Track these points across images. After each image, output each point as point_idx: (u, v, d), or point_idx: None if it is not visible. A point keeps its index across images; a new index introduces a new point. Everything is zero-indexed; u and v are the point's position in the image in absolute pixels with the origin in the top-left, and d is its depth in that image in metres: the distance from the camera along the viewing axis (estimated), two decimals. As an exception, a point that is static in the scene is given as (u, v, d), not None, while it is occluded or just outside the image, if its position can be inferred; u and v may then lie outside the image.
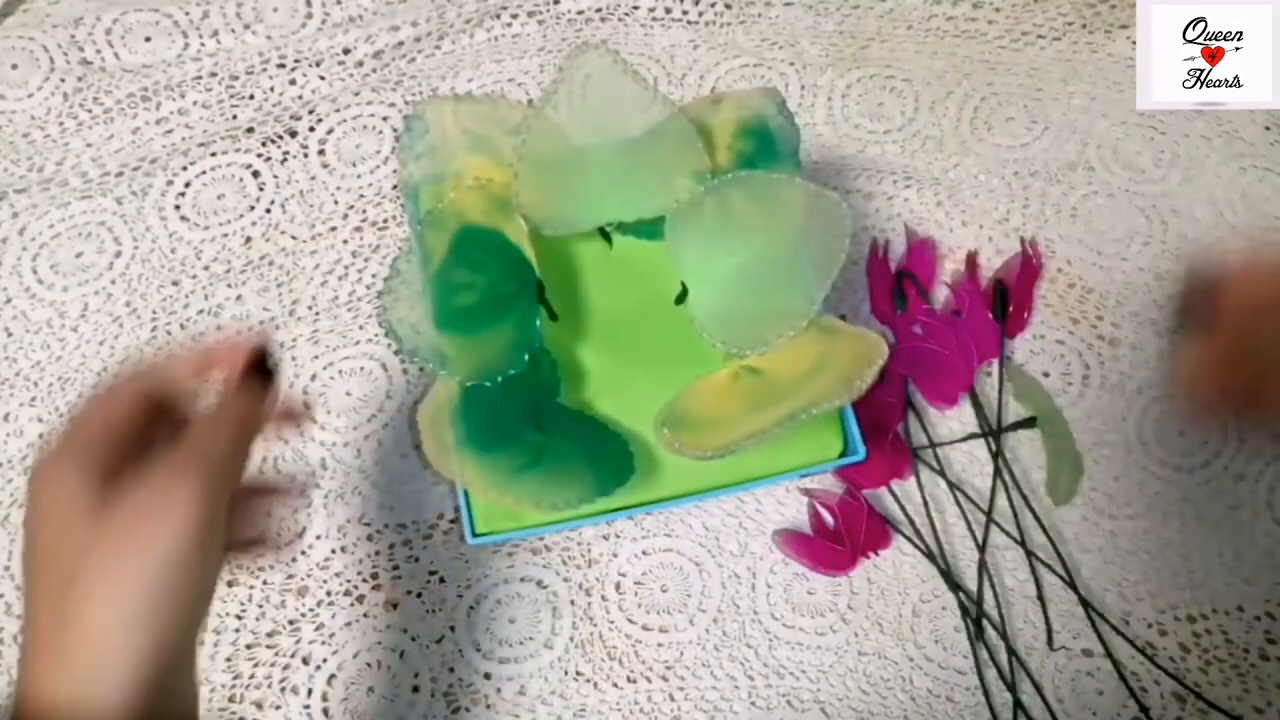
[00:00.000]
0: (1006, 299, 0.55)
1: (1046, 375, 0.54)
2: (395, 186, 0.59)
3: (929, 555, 0.51)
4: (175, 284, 0.56)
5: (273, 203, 0.58)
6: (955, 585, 0.50)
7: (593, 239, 0.46)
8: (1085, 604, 0.49)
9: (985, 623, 0.49)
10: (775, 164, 0.44)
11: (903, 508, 0.52)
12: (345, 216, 0.58)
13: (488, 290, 0.41)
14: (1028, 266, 0.55)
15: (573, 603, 0.50)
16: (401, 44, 0.62)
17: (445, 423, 0.39)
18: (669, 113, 0.43)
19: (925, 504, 0.51)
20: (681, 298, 0.44)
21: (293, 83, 0.61)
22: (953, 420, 0.53)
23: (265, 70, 0.61)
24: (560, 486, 0.39)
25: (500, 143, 0.43)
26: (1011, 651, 0.49)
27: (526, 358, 0.40)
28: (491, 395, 0.40)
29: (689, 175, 0.43)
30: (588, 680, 0.49)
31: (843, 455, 0.43)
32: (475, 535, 0.41)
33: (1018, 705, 0.48)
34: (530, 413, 0.39)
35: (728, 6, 0.64)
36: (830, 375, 0.40)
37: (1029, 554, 0.50)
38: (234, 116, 0.60)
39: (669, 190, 0.43)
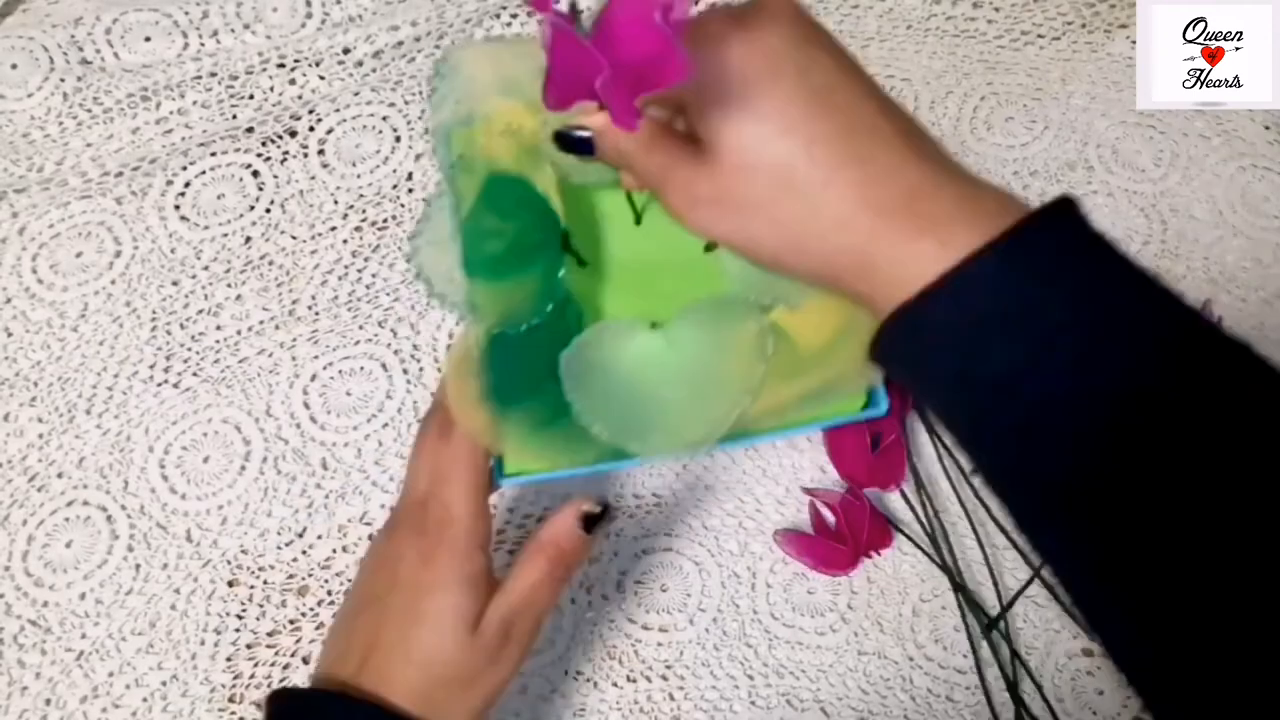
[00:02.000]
0: None
1: (1046, 375, 0.54)
2: (395, 186, 0.59)
3: (941, 564, 0.51)
4: (175, 284, 0.56)
5: (272, 202, 0.58)
6: (958, 584, 0.50)
7: (622, 189, 0.46)
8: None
9: (988, 622, 0.49)
10: None
11: (909, 506, 0.52)
12: (345, 216, 0.58)
13: (516, 239, 0.41)
14: None
15: (573, 602, 0.50)
16: (401, 44, 0.62)
17: (471, 372, 0.40)
18: None
19: (928, 503, 0.51)
20: (710, 246, 0.44)
21: (292, 83, 0.61)
22: (953, 420, 0.53)
23: (265, 70, 0.61)
24: (580, 443, 0.39)
25: (531, 86, 0.43)
26: (1014, 652, 0.49)
27: (550, 307, 0.40)
28: (516, 344, 0.40)
29: None
30: (588, 679, 0.49)
31: (866, 408, 0.43)
32: (505, 476, 0.42)
33: (1019, 705, 0.48)
34: (554, 365, 0.39)
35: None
36: (855, 345, 0.40)
37: (1030, 564, 0.51)
38: (234, 116, 0.60)
39: None
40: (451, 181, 0.42)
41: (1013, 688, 0.48)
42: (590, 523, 0.40)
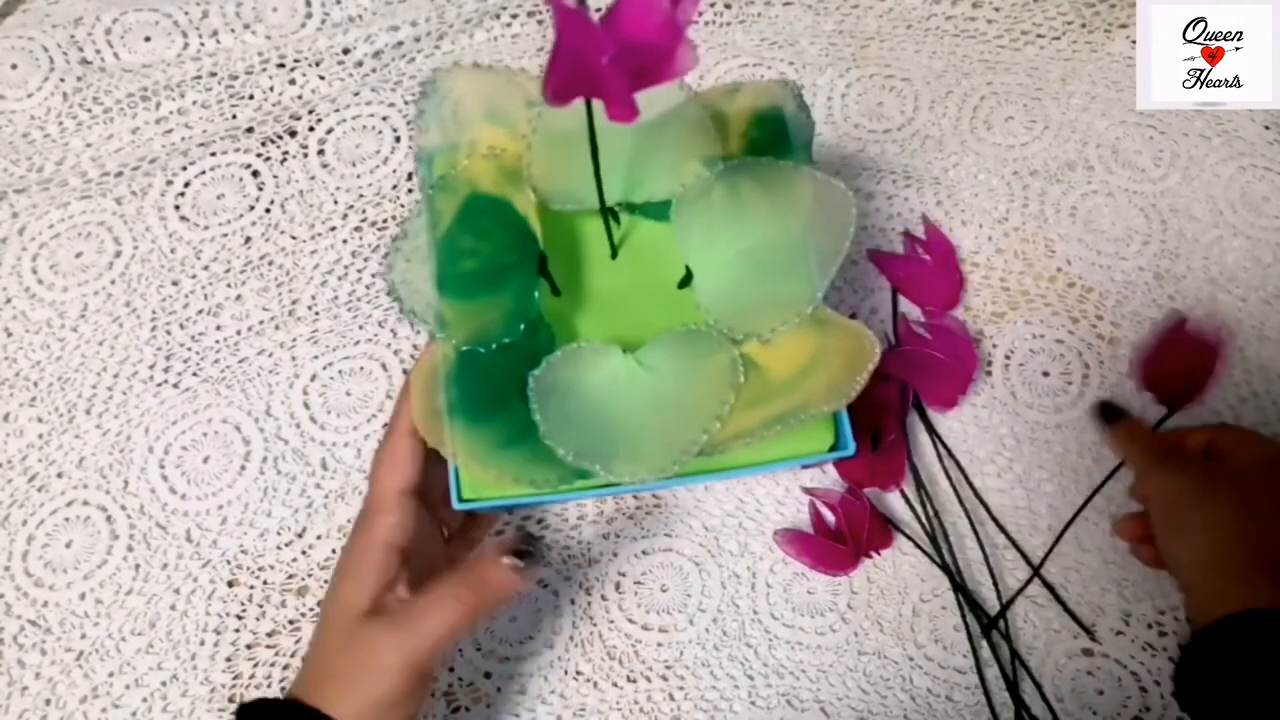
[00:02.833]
0: None
1: (1046, 375, 0.54)
2: (395, 186, 0.59)
3: (941, 564, 0.51)
4: (175, 284, 0.56)
5: (272, 202, 0.58)
6: (958, 584, 0.50)
7: (601, 217, 0.46)
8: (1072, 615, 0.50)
9: (987, 622, 0.49)
10: (788, 154, 0.44)
11: (909, 505, 0.52)
12: (345, 216, 0.58)
13: (491, 258, 0.41)
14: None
15: (573, 602, 0.50)
16: (401, 44, 0.62)
17: (437, 386, 0.40)
18: (685, 97, 0.43)
19: (928, 503, 0.51)
20: (684, 282, 0.44)
21: (292, 83, 0.61)
22: (953, 420, 0.53)
23: (265, 70, 0.61)
24: (543, 464, 0.39)
25: (516, 114, 0.44)
26: (1014, 652, 0.49)
27: (522, 327, 0.40)
28: (486, 362, 0.40)
29: (699, 160, 0.43)
30: (588, 680, 0.49)
31: (833, 449, 0.43)
32: (461, 500, 0.41)
33: (1019, 705, 0.48)
34: (522, 384, 0.39)
35: (727, 6, 0.64)
36: (822, 377, 0.40)
37: (1030, 564, 0.51)
38: (234, 116, 0.60)
39: (679, 174, 0.43)
40: (430, 200, 0.42)
41: (1013, 688, 0.48)
42: (522, 556, 0.39)
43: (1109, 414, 0.47)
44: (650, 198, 0.44)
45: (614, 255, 0.45)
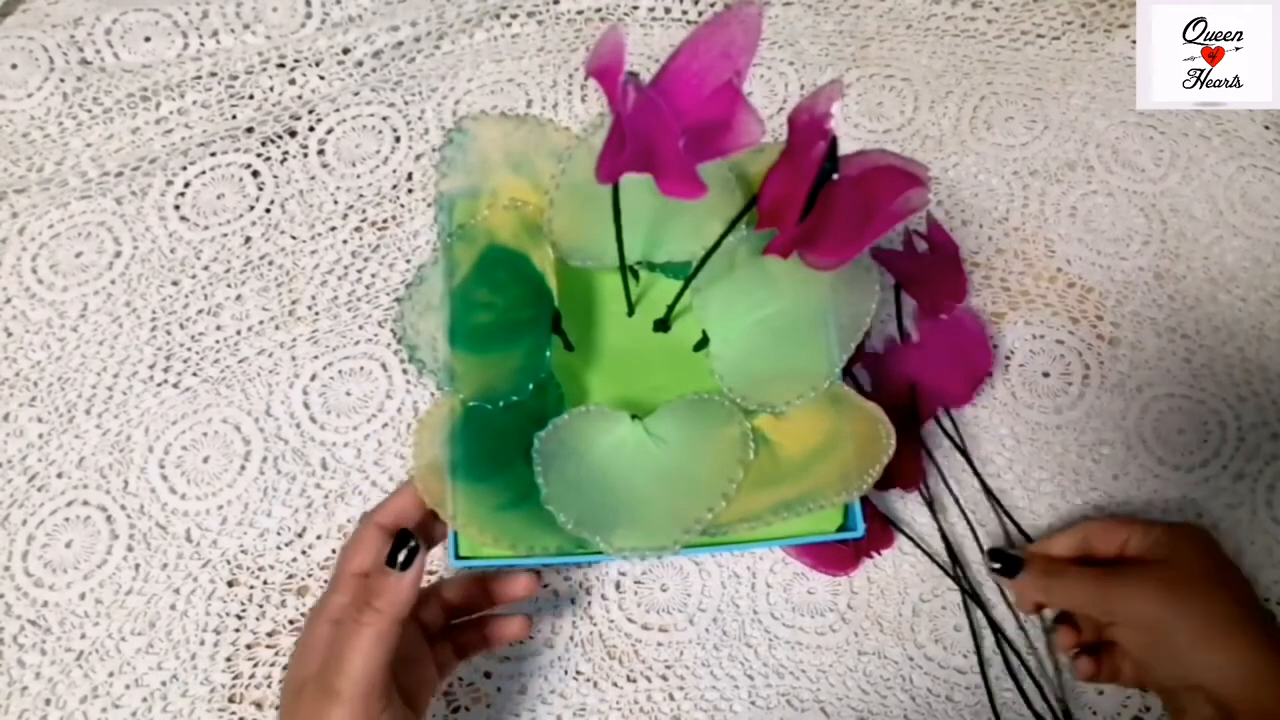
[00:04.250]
0: None
1: (1046, 375, 0.54)
2: (395, 186, 0.59)
3: (948, 571, 0.51)
4: (175, 284, 0.56)
5: (272, 202, 0.58)
6: (961, 585, 0.50)
7: (619, 273, 0.45)
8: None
9: (988, 623, 0.49)
10: None
11: (927, 504, 0.52)
12: (345, 216, 0.58)
13: (505, 312, 0.41)
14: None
15: (573, 602, 0.50)
16: (401, 44, 0.62)
17: (440, 441, 0.39)
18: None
19: (929, 503, 0.51)
20: (700, 345, 0.44)
21: (292, 83, 0.61)
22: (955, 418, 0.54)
23: (265, 70, 0.61)
24: (541, 530, 0.38)
25: (540, 166, 0.43)
26: (1015, 651, 0.49)
27: (531, 386, 0.40)
28: (492, 419, 0.39)
29: (722, 222, 0.42)
30: (587, 679, 0.49)
31: (841, 529, 0.43)
32: (459, 558, 0.41)
33: (1026, 703, 0.48)
34: (527, 445, 0.39)
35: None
36: (835, 463, 0.40)
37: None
38: (234, 116, 0.60)
39: (701, 236, 0.41)
40: (448, 249, 0.41)
41: (1017, 686, 0.48)
42: (399, 560, 0.37)
43: (1009, 565, 0.46)
44: (671, 258, 0.43)
45: (631, 313, 0.44)
